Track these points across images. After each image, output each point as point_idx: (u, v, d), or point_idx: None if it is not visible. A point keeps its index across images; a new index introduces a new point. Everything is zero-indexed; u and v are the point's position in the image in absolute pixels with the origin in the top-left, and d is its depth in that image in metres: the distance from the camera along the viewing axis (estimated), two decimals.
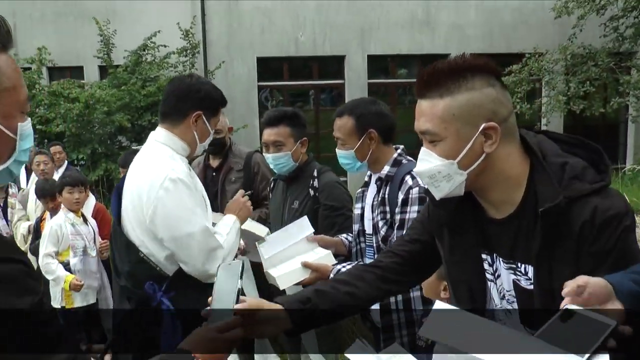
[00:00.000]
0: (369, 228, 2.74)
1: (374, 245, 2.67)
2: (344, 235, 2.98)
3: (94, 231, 4.67)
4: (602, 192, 1.39)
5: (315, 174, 3.23)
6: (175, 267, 2.46)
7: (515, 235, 1.49)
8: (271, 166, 3.30)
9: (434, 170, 1.47)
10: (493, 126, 1.41)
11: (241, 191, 2.94)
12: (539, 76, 12.85)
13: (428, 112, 1.46)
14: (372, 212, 2.69)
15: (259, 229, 3.12)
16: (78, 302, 4.47)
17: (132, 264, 2.47)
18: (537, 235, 1.42)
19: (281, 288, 2.59)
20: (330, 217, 3.15)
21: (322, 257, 2.64)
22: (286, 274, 2.56)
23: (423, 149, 1.51)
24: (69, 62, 13.62)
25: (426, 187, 1.60)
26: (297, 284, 2.57)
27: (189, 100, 2.53)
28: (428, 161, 1.48)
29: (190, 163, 2.71)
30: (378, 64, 14.94)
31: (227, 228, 2.62)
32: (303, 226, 2.78)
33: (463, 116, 1.41)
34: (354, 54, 14.41)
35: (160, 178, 2.37)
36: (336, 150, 2.78)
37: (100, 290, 4.64)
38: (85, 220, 4.67)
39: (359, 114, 2.67)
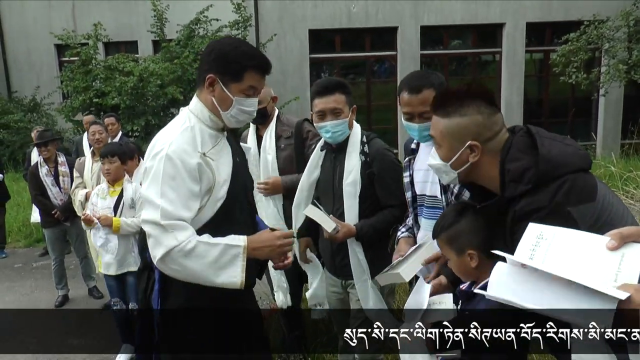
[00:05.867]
0: (428, 190, 2.83)
1: (443, 204, 2.70)
2: (402, 232, 3.04)
3: (114, 206, 4.66)
4: (531, 192, 1.76)
5: (364, 139, 3.27)
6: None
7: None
8: (327, 135, 3.24)
9: (436, 166, 2.02)
10: (476, 144, 1.89)
11: (287, 231, 2.55)
12: (598, 44, 12.29)
13: (434, 125, 2.00)
14: None
15: (328, 224, 3.18)
16: (112, 271, 4.67)
17: (142, 235, 2.32)
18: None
19: (406, 280, 2.66)
20: (388, 184, 3.23)
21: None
22: (407, 265, 2.62)
23: (433, 149, 2.04)
24: (124, 37, 13.91)
25: None
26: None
27: (204, 62, 2.36)
28: (434, 158, 2.03)
29: (236, 134, 2.61)
30: (431, 35, 14.67)
31: (224, 242, 2.25)
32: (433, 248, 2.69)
33: (453, 134, 1.93)
34: (406, 25, 14.19)
35: (156, 148, 2.25)
36: (414, 124, 2.76)
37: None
38: (120, 194, 4.68)
39: (438, 86, 2.72)
